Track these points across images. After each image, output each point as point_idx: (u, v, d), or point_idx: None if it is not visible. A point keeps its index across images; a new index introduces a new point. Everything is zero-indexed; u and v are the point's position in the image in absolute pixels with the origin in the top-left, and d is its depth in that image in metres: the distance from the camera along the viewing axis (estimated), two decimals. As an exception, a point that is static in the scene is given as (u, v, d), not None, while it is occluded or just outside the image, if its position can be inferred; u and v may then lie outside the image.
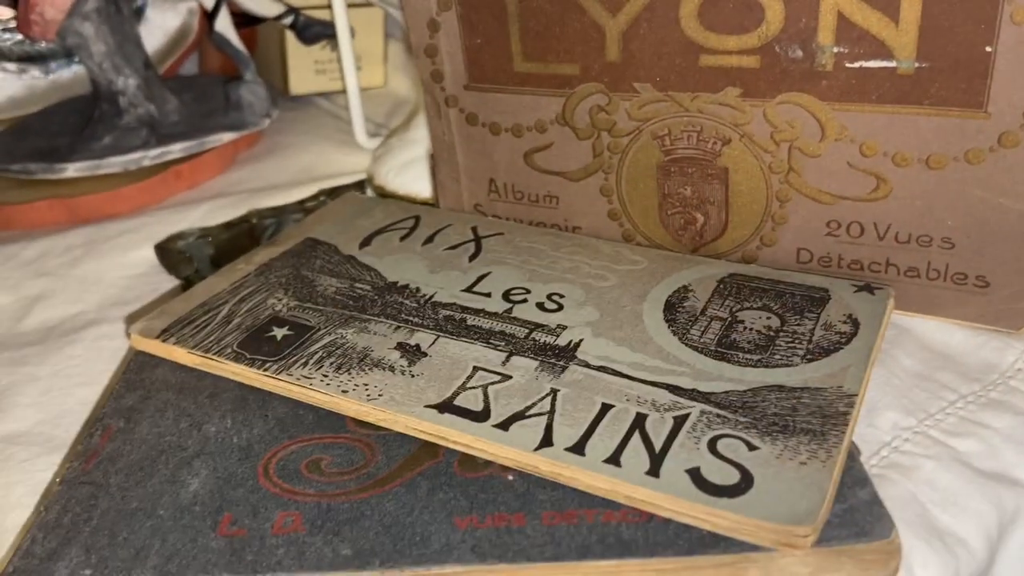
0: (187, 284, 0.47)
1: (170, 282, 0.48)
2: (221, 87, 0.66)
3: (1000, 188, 0.33)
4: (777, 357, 0.33)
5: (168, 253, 0.50)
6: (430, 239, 0.43)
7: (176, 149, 0.59)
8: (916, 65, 0.32)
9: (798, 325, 0.34)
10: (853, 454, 0.29)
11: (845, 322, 0.34)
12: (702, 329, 0.35)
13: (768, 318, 0.35)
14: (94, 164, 0.58)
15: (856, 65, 0.33)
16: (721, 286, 0.37)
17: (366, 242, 0.43)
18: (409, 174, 0.52)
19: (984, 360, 0.35)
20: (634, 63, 0.37)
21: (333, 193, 0.56)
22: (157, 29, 0.72)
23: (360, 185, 0.57)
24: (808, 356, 0.32)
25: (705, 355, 0.33)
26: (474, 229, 0.43)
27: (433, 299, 0.37)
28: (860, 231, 0.36)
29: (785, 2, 0.33)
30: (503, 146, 0.42)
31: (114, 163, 0.58)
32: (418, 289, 0.38)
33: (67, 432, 0.37)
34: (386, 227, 0.44)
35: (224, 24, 0.61)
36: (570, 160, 0.41)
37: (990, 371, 0.35)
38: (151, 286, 0.48)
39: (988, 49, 0.31)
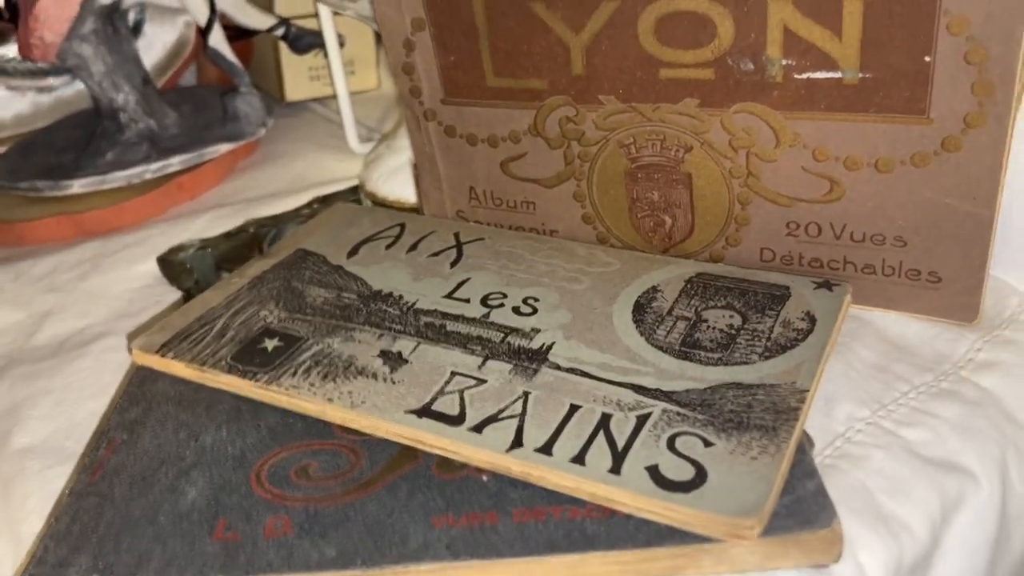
0: (188, 295, 0.50)
1: (172, 293, 0.51)
2: (218, 98, 0.68)
3: (946, 189, 0.35)
4: (737, 355, 0.34)
5: (170, 265, 0.52)
6: (414, 246, 0.45)
7: (176, 162, 0.61)
8: (860, 75, 0.34)
9: (758, 323, 0.36)
10: (804, 447, 0.31)
11: (803, 319, 0.36)
12: (668, 329, 0.37)
13: (731, 316, 0.37)
14: (99, 180, 0.60)
15: (804, 76, 0.35)
16: (688, 286, 0.39)
17: (354, 251, 0.45)
18: (397, 180, 0.54)
19: (938, 351, 0.37)
20: (598, 77, 0.39)
21: (326, 200, 0.58)
22: (155, 43, 0.74)
23: (353, 191, 0.59)
24: (766, 353, 0.34)
25: (669, 355, 0.35)
26: (456, 235, 0.45)
27: (415, 306, 0.39)
28: (818, 231, 0.38)
29: (735, 18, 0.35)
30: (480, 156, 0.44)
31: (118, 178, 0.60)
32: (401, 297, 0.40)
33: (78, 443, 0.39)
34: (373, 236, 0.46)
35: (217, 39, 0.63)
36: (543, 168, 0.43)
37: (943, 361, 0.36)
38: (154, 298, 0.51)
39: (927, 59, 0.32)
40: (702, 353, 0.35)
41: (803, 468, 0.30)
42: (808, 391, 0.32)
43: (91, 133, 0.65)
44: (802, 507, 0.29)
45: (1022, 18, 0.30)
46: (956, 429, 0.33)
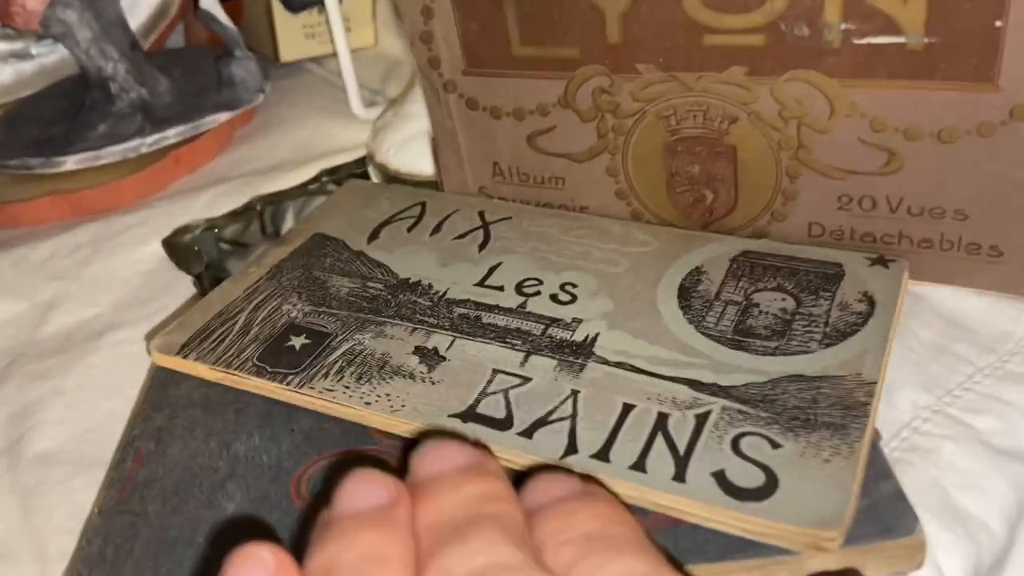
0: (199, 281, 0.47)
1: (181, 277, 0.48)
2: (211, 61, 0.65)
3: (1013, 160, 0.33)
4: (794, 343, 0.33)
5: (176, 248, 0.50)
6: (438, 228, 0.42)
7: (172, 134, 0.58)
8: (925, 40, 0.31)
9: (814, 306, 0.34)
10: (875, 443, 0.30)
11: (861, 300, 0.34)
12: (718, 315, 0.35)
13: (783, 299, 0.35)
14: (92, 156, 0.57)
15: (864, 41, 0.32)
16: (734, 266, 0.37)
17: (374, 235, 0.42)
18: (410, 152, 0.51)
19: (999, 329, 0.35)
20: (636, 45, 0.36)
21: (334, 172, 0.55)
22: (140, 3, 0.71)
23: (361, 162, 0.56)
24: (826, 340, 0.33)
25: (723, 344, 0.33)
26: (481, 214, 0.43)
27: (446, 296, 0.37)
28: (872, 204, 0.36)
29: (789, -20, 0.32)
30: (505, 130, 0.42)
31: (112, 152, 0.57)
32: (430, 286, 0.38)
33: (98, 448, 0.37)
34: (393, 217, 0.44)
35: (209, 1, 0.60)
36: (574, 142, 0.40)
37: (1005, 340, 0.35)
38: (163, 283, 0.48)
39: (998, 24, 0.30)
40: (757, 342, 0.33)
41: (877, 468, 0.29)
42: (876, 383, 0.30)
43: (79, 103, 0.62)
44: (880, 512, 0.27)
45: (1108, -21, 0.28)
46: (1027, 415, 0.32)
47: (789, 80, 0.34)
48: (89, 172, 0.57)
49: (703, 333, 0.34)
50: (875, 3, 0.31)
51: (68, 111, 0.63)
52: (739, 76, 0.35)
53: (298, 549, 0.26)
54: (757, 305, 0.35)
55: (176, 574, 0.29)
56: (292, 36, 0.72)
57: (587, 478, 0.25)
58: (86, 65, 0.59)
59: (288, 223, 0.54)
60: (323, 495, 0.31)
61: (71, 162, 0.57)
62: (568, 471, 0.24)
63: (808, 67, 0.34)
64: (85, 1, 0.57)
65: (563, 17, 0.37)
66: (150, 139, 0.58)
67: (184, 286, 0.48)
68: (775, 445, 0.29)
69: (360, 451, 0.32)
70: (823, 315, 0.34)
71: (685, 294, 0.36)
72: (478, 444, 0.25)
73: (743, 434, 0.29)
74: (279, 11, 0.70)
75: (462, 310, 0.36)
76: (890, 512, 0.27)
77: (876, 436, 0.31)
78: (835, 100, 0.34)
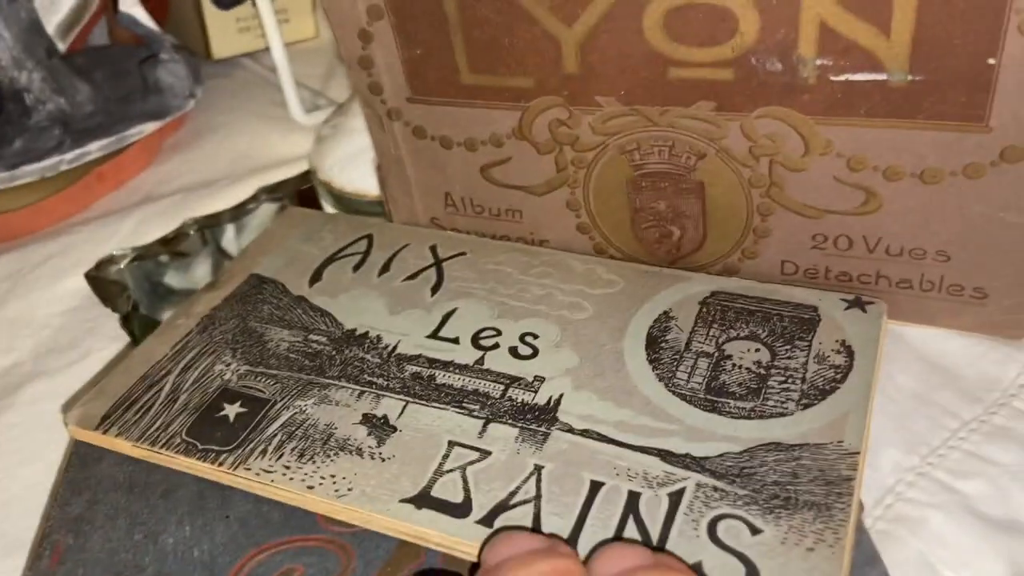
0: (126, 322, 0.44)
1: (107, 316, 0.45)
2: (136, 64, 0.60)
3: (1002, 203, 0.30)
4: (771, 403, 0.30)
5: (101, 284, 0.46)
6: (386, 266, 0.39)
7: (95, 148, 0.54)
8: (909, 78, 0.29)
9: (789, 358, 0.32)
10: (860, 520, 0.28)
11: (839, 351, 0.32)
12: (689, 370, 0.32)
13: (757, 350, 0.33)
14: (8, 176, 0.52)
15: (842, 78, 0.30)
16: (704, 310, 0.35)
17: (316, 276, 0.39)
18: (356, 169, 0.48)
19: (984, 374, 0.33)
20: (595, 76, 0.33)
21: (274, 190, 0.52)
22: (57, 1, 0.65)
23: (305, 177, 0.52)
24: (804, 400, 0.30)
25: (695, 405, 0.31)
26: (433, 250, 0.40)
27: (397, 351, 0.34)
28: (848, 244, 0.34)
29: (761, 11, 0.29)
30: (457, 160, 0.38)
31: (29, 172, 0.53)
32: (379, 338, 0.35)
33: (17, 526, 0.34)
34: (336, 254, 0.40)
35: (128, 1, 0.55)
36: (531, 175, 0.37)
37: (991, 388, 0.33)
38: (87, 324, 0.45)
39: (991, 61, 0.28)
40: (731, 402, 0.31)
41: (863, 552, 0.27)
42: (859, 453, 0.28)
43: (-8, 116, 0.57)
44: (869, 606, 0.25)
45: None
46: (1018, 479, 0.30)
47: (760, 116, 0.32)
48: (4, 194, 0.53)
49: (674, 392, 0.31)
50: (855, 38, 0.29)
51: (-20, 123, 0.58)
52: (706, 111, 0.32)
53: None
54: (730, 357, 0.32)
55: None
56: (224, 31, 0.67)
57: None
58: (-4, 75, 0.54)
59: (228, 233, 0.50)
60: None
61: (-17, 183, 0.52)
62: (634, 541, 0.26)
63: (780, 104, 0.31)
64: (-9, 6, 0.52)
65: (515, 45, 0.33)
66: (70, 155, 0.53)
67: (111, 327, 0.44)
68: (755, 531, 0.26)
69: (302, 541, 0.29)
70: (800, 369, 0.32)
71: (653, 344, 0.33)
72: (551, 536, 0.26)
73: (720, 517, 0.27)
74: (208, 5, 0.65)
75: (414, 368, 0.33)
76: (880, 608, 0.25)
77: (859, 508, 0.28)
78: (809, 138, 0.31)
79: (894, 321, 0.35)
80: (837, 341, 0.32)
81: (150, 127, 0.56)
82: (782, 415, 0.30)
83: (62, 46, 0.62)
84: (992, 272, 0.32)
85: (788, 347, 0.32)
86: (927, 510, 0.29)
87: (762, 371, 0.32)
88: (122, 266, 0.47)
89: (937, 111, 0.29)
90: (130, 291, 0.45)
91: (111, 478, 0.32)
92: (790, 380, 0.31)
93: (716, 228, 0.36)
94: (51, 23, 0.62)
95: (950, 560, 0.28)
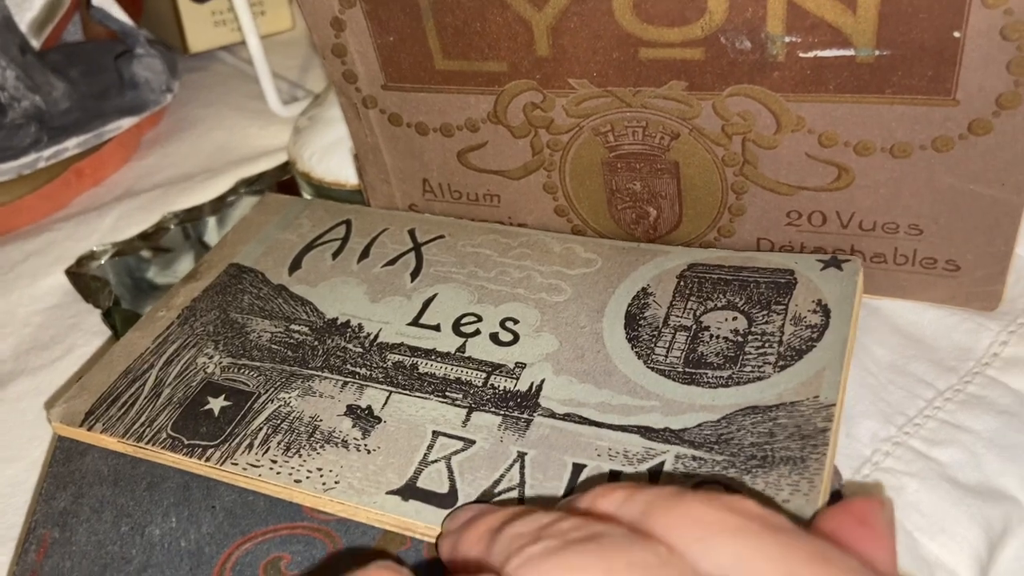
0: (108, 317, 0.44)
1: (88, 312, 0.45)
2: (111, 59, 0.60)
3: (971, 174, 0.31)
4: (748, 369, 0.31)
5: (81, 279, 0.46)
6: (365, 252, 0.39)
7: (72, 145, 0.54)
8: (876, 53, 0.29)
9: (766, 323, 0.32)
10: (838, 472, 0.28)
11: (815, 311, 0.32)
12: (667, 345, 0.32)
13: (734, 318, 0.33)
14: (-16, 174, 0.52)
15: (811, 55, 0.30)
16: (682, 283, 0.35)
17: (296, 264, 0.39)
18: (334, 159, 0.48)
19: (958, 344, 0.34)
20: (567, 58, 0.33)
21: (253, 183, 0.52)
22: (29, -3, 0.65)
23: (283, 168, 0.52)
24: (780, 362, 0.30)
25: (674, 380, 0.31)
26: (412, 234, 0.40)
27: (379, 340, 0.34)
28: (823, 220, 0.34)
29: (730, -10, 0.29)
30: (433, 146, 0.38)
31: (6, 169, 0.52)
32: (360, 327, 0.35)
33: (1, 524, 0.34)
34: (315, 240, 0.40)
35: (102, -4, 0.55)
36: (507, 159, 0.37)
37: (966, 357, 0.33)
38: (68, 320, 0.45)
39: (956, 35, 0.28)
40: (709, 372, 0.31)
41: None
42: (835, 405, 0.28)
43: (-33, 114, 0.56)
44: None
45: (1072, -12, 0.26)
46: (992, 446, 0.30)
47: (732, 95, 0.32)
48: (-19, 193, 0.53)
49: (652, 368, 0.32)
50: (822, 15, 0.29)
51: (-45, 122, 0.57)
52: (678, 91, 0.32)
53: None
54: (708, 329, 0.33)
55: None
56: (200, 25, 0.67)
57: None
58: (-30, 74, 0.54)
59: (210, 227, 0.50)
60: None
61: (-40, 183, 0.52)
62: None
63: (751, 82, 0.31)
64: (-38, 5, 0.52)
65: (487, 30, 0.33)
66: (48, 152, 0.53)
67: (93, 322, 0.44)
68: (732, 492, 0.27)
69: (288, 529, 0.29)
70: (776, 332, 0.32)
71: (632, 322, 0.34)
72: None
73: (698, 484, 0.27)
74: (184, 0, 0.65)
75: (396, 357, 0.34)
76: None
77: (837, 477, 0.29)
78: (781, 115, 0.32)
79: (870, 295, 0.36)
80: (813, 301, 0.32)
81: (127, 122, 0.56)
82: (759, 379, 0.30)
83: (36, 43, 0.62)
84: (963, 244, 0.33)
85: (765, 312, 0.33)
86: (903, 478, 0.30)
87: (739, 339, 0.32)
88: (103, 262, 0.47)
89: (905, 85, 0.30)
90: (111, 287, 0.45)
91: (96, 472, 0.32)
92: (767, 344, 0.31)
93: (692, 207, 0.36)
94: (23, 20, 0.62)
95: (926, 526, 0.28)
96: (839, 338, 0.31)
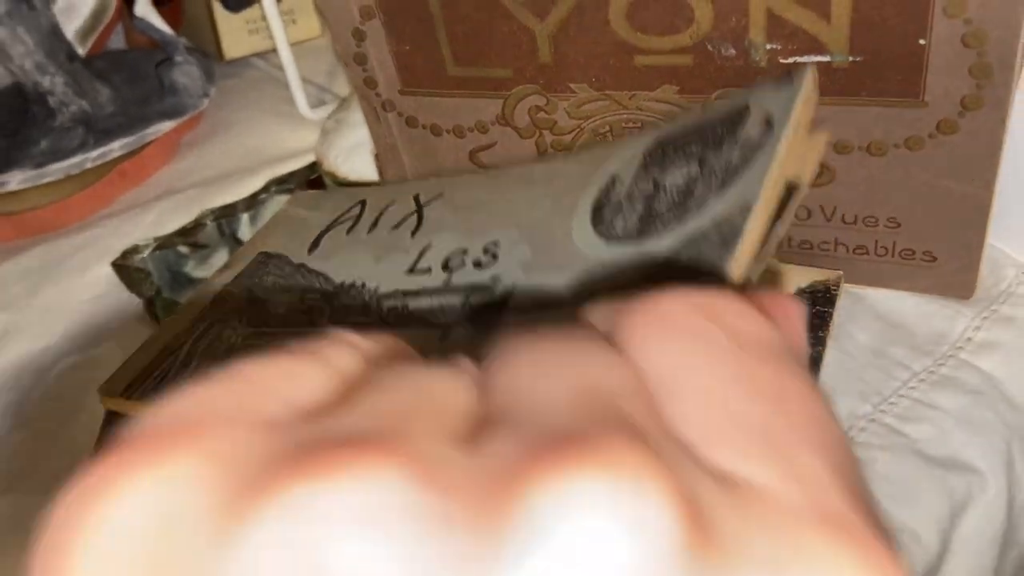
0: (150, 305, 0.47)
1: (132, 301, 0.48)
2: (152, 66, 0.64)
3: (942, 171, 0.33)
4: (691, 205, 0.28)
5: (126, 271, 0.49)
6: (375, 223, 0.41)
7: (117, 146, 0.58)
8: (850, 59, 0.32)
9: (716, 159, 0.29)
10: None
11: (759, 127, 0.28)
12: (626, 216, 0.31)
13: (688, 167, 0.30)
14: (36, 174, 0.56)
15: (790, 60, 0.32)
16: (648, 158, 0.32)
17: (315, 245, 0.42)
18: (358, 159, 0.51)
19: (935, 330, 0.36)
20: (568, 65, 0.36)
21: (283, 182, 0.55)
22: (77, 6, 0.69)
23: (311, 168, 0.56)
24: (720, 188, 0.27)
25: (628, 244, 0.30)
26: (416, 198, 0.41)
27: (379, 292, 0.36)
28: (807, 214, 0.37)
29: (714, 2, 0.32)
30: (447, 146, 0.41)
31: (56, 170, 0.56)
32: (364, 285, 0.37)
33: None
34: (334, 222, 0.43)
35: (144, 7, 0.59)
36: (516, 158, 0.40)
37: (941, 342, 0.36)
38: (114, 309, 0.48)
39: (922, 42, 0.30)
40: (659, 223, 0.29)
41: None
42: (755, 205, 0.24)
43: (17, 119, 0.60)
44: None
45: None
46: (960, 422, 0.32)
47: (720, 97, 0.34)
48: (33, 191, 0.56)
49: (611, 242, 0.30)
50: (799, 23, 0.31)
51: (5, 127, 0.61)
52: (670, 94, 0.35)
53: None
54: (664, 187, 0.30)
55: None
56: (235, 33, 0.70)
57: None
58: (22, 80, 0.58)
59: (243, 223, 0.54)
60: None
61: (14, 182, 0.56)
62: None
63: (737, 85, 0.34)
64: (15, 17, 0.56)
65: (494, 38, 0.36)
66: (94, 153, 0.57)
67: (135, 310, 0.48)
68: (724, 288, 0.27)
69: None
70: (724, 163, 0.28)
71: (599, 210, 0.32)
72: None
73: (698, 277, 0.26)
74: (219, 9, 0.69)
75: (391, 303, 0.35)
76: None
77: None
78: None
79: (853, 284, 0.38)
80: (760, 119, 0.28)
81: (167, 125, 0.59)
82: (699, 210, 0.27)
83: (81, 51, 0.66)
84: (939, 237, 0.35)
85: (717, 150, 0.29)
86: (876, 451, 0.32)
87: (690, 183, 0.29)
88: (145, 255, 0.50)
89: (878, 89, 0.32)
90: (153, 278, 0.49)
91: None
92: (713, 176, 0.28)
93: None
94: (70, 29, 0.66)
95: (895, 495, 0.31)
96: (773, 140, 0.26)
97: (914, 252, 0.36)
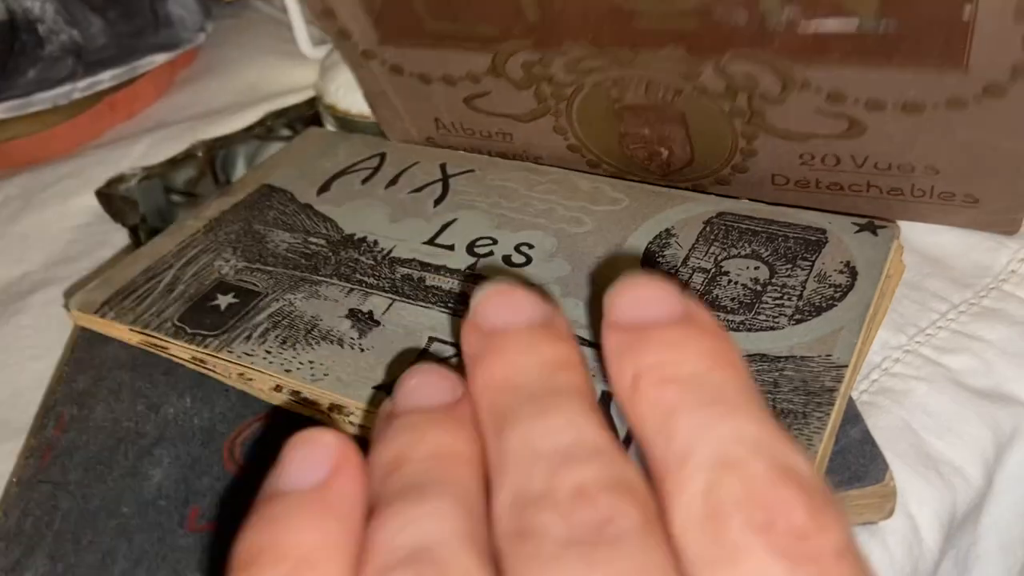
0: (134, 233, 0.45)
1: (117, 231, 0.46)
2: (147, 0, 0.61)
3: (987, 129, 0.30)
4: (762, 318, 0.29)
5: (111, 199, 0.47)
6: (394, 180, 0.39)
7: (106, 77, 0.55)
8: (881, 24, 0.28)
9: (788, 276, 0.31)
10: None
11: (842, 271, 0.30)
12: (682, 284, 0.32)
13: (756, 267, 0.32)
14: (22, 103, 0.53)
15: (811, 25, 0.29)
16: (707, 228, 0.34)
17: (325, 187, 0.40)
18: (359, 92, 0.48)
19: (976, 263, 0.34)
20: (559, 25, 0.33)
21: (281, 115, 0.52)
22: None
23: (311, 103, 0.53)
24: (797, 316, 0.29)
25: None
26: (443, 167, 0.40)
27: (391, 254, 0.35)
28: (836, 161, 0.34)
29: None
30: (439, 92, 0.38)
31: (42, 99, 0.54)
32: (376, 243, 0.35)
33: (24, 415, 0.35)
34: (348, 168, 0.41)
35: (141, -65, 0.56)
36: (514, 105, 0.37)
37: (983, 275, 0.33)
38: (97, 237, 0.46)
39: (968, 7, 0.27)
40: (721, 315, 0.30)
41: (846, 413, 0.27)
42: (847, 367, 0.27)
43: (6, 53, 0.58)
44: (848, 459, 0.26)
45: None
46: (1004, 354, 0.30)
47: (733, 58, 0.31)
48: (18, 121, 0.54)
49: None
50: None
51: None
52: (679, 54, 0.32)
53: (232, 515, 0.24)
54: (727, 274, 0.32)
55: (98, 546, 0.27)
56: (235, -27, 0.68)
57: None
58: (11, 5, 0.55)
59: (239, 171, 0.51)
60: (259, 459, 0.29)
61: (-1, 110, 0.53)
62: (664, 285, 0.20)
63: (752, 47, 0.30)
64: (6, -64, 0.53)
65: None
66: (83, 83, 0.54)
67: (120, 240, 0.45)
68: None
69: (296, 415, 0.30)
70: (798, 287, 0.30)
71: (650, 260, 0.33)
72: (545, 295, 0.23)
73: None
74: (220, -54, 0.66)
75: (406, 270, 0.34)
76: (858, 459, 0.26)
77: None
78: (785, 77, 0.31)
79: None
80: (842, 262, 0.31)
81: (160, 58, 0.57)
82: (772, 328, 0.29)
83: (75, -19, 0.63)
84: (982, 183, 0.32)
85: (789, 266, 0.31)
86: (912, 382, 0.30)
87: (758, 287, 0.31)
88: (132, 184, 0.47)
89: (914, 54, 0.29)
90: (139, 208, 0.46)
91: (116, 358, 0.33)
92: (786, 296, 0.30)
93: (703, 150, 0.36)
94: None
95: (933, 426, 0.28)
96: (862, 300, 0.29)
97: (954, 195, 0.33)
